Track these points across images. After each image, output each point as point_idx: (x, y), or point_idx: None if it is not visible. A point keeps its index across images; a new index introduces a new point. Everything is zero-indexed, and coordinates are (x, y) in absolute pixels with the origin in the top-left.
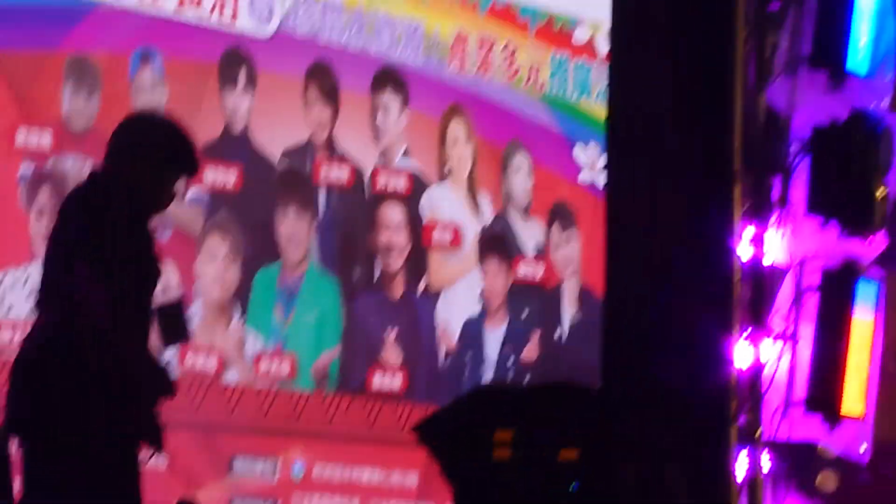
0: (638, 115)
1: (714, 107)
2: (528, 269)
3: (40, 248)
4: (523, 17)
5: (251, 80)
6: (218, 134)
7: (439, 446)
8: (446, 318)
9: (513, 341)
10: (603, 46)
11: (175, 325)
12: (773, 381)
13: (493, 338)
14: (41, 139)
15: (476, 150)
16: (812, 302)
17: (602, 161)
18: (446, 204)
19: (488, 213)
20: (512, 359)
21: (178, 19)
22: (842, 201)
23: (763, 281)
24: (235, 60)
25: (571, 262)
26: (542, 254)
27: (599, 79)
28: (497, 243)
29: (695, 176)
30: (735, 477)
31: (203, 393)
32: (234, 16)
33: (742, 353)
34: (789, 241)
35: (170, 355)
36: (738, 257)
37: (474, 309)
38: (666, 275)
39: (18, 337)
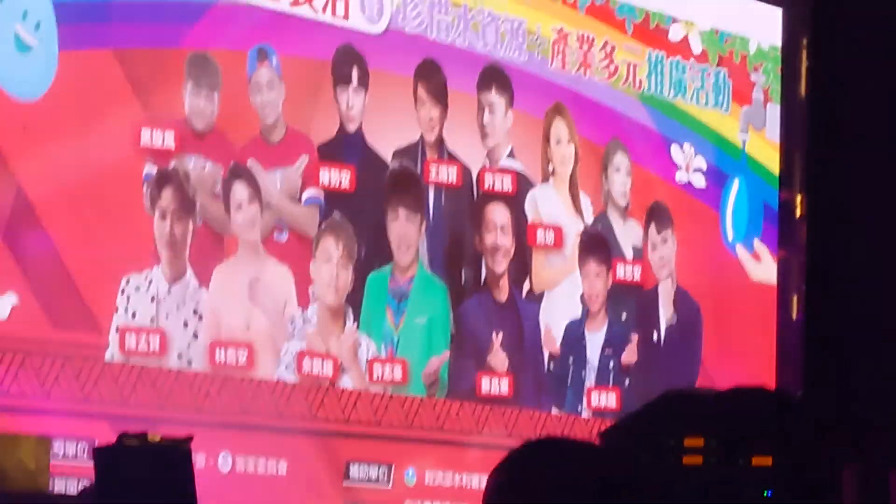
0: None
1: None
2: (627, 271)
3: (163, 252)
4: (620, 14)
5: (364, 78)
6: (333, 133)
7: (627, 453)
8: (549, 321)
9: (613, 344)
10: (696, 45)
11: None
12: None
13: (595, 341)
14: (165, 139)
15: (578, 150)
16: None
17: (698, 161)
18: (549, 204)
19: (589, 214)
20: (613, 362)
21: (293, 15)
22: None
23: None
24: (348, 58)
25: (667, 263)
26: (639, 255)
27: (694, 77)
28: (597, 245)
29: None
30: None
31: (320, 398)
32: (345, 14)
33: None
34: None
35: (288, 361)
36: None
37: (576, 312)
38: (872, 275)
39: (143, 343)
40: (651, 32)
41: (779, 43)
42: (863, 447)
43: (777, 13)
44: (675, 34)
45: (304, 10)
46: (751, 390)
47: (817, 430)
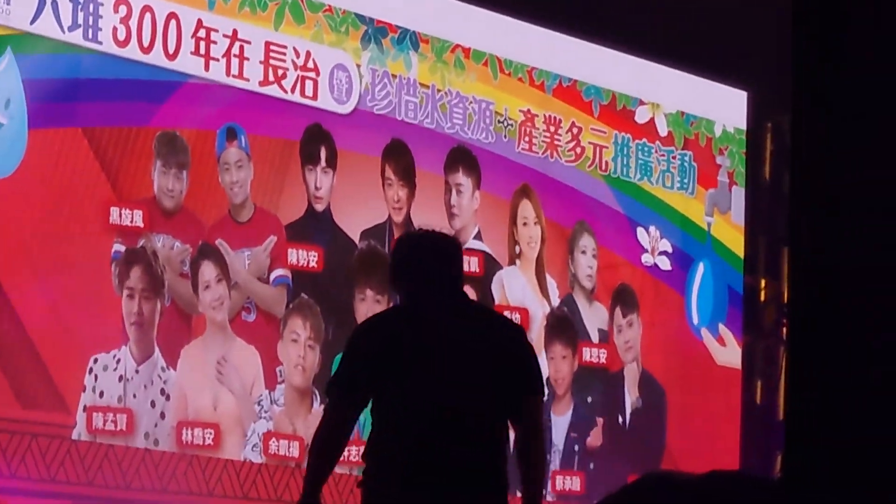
0: None
1: None
2: (592, 354)
3: (131, 332)
4: (587, 96)
5: (332, 159)
6: (302, 213)
7: None
8: None
9: (579, 427)
10: (662, 127)
11: None
12: None
13: (560, 424)
14: (133, 217)
15: (544, 232)
16: None
17: (663, 244)
18: (516, 286)
19: (555, 297)
20: (578, 446)
21: (262, 95)
22: None
23: None
24: (317, 138)
25: (633, 346)
26: (605, 338)
27: (660, 160)
28: (563, 327)
29: None
30: None
31: (286, 479)
32: (314, 94)
33: None
34: None
35: (255, 441)
36: None
37: None
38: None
39: (110, 422)
40: (617, 114)
41: (744, 126)
42: None
43: (742, 96)
44: (641, 116)
45: (273, 90)
46: (729, 474)
47: None
